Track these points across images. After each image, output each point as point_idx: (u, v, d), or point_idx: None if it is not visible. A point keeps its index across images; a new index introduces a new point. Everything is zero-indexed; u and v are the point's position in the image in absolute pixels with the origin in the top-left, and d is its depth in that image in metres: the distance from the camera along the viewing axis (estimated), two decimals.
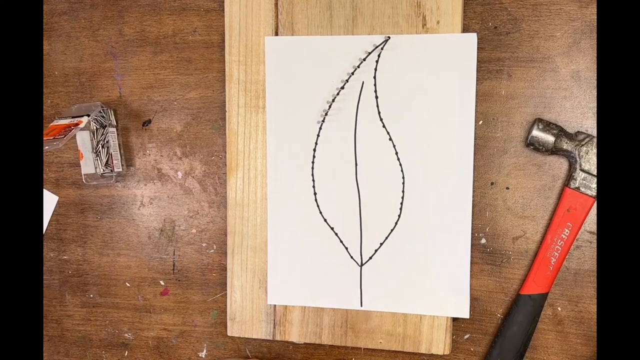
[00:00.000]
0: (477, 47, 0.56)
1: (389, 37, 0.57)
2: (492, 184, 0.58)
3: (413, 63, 0.57)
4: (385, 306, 0.59)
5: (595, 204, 0.55)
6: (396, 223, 0.59)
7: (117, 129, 0.65)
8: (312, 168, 0.60)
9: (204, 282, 0.65)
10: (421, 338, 0.59)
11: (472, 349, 0.59)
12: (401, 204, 0.58)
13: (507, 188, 0.58)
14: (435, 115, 0.57)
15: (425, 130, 0.57)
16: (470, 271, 0.58)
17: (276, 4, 0.60)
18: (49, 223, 0.68)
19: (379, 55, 0.58)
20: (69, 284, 0.68)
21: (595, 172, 0.54)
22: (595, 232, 0.56)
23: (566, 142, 0.54)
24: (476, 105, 0.57)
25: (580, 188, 0.54)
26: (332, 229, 0.60)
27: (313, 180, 0.60)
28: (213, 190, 0.64)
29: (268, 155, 0.61)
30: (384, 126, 0.58)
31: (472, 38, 0.56)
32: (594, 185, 0.54)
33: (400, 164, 0.58)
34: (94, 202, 0.67)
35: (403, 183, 0.58)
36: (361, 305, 0.60)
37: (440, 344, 0.58)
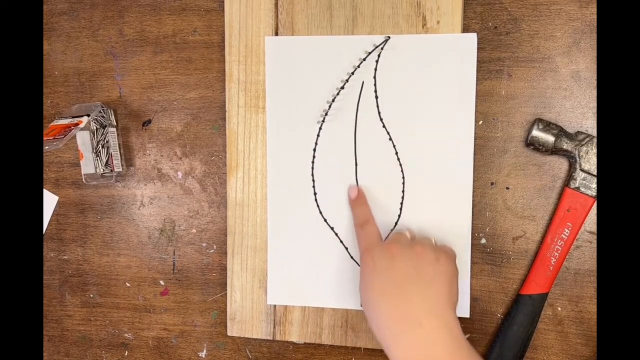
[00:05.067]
0: (477, 47, 0.56)
1: (389, 37, 0.57)
2: (492, 184, 0.58)
3: (413, 63, 0.57)
4: None
5: (595, 204, 0.55)
6: (396, 223, 0.59)
7: (117, 129, 0.65)
8: (312, 168, 0.60)
9: (204, 282, 0.65)
10: None
11: None
12: (401, 204, 0.58)
13: (507, 188, 0.58)
14: (435, 115, 0.57)
15: (425, 130, 0.57)
16: (470, 271, 0.58)
17: (276, 4, 0.60)
18: (49, 223, 0.68)
19: (379, 55, 0.58)
20: (69, 284, 0.68)
21: (595, 172, 0.54)
22: (595, 232, 0.56)
23: (566, 142, 0.54)
24: (476, 105, 0.57)
25: (580, 188, 0.54)
26: (332, 229, 0.60)
27: (313, 180, 0.60)
28: (213, 190, 0.64)
29: (268, 155, 0.61)
30: (384, 126, 0.58)
31: (472, 38, 0.56)
32: (594, 185, 0.54)
33: (400, 164, 0.58)
34: (94, 202, 0.67)
35: (403, 183, 0.58)
36: (361, 305, 0.59)
37: None
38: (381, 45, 0.58)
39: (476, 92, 0.57)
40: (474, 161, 0.57)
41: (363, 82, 0.58)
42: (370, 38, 0.58)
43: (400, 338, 0.46)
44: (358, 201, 0.58)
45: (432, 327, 0.46)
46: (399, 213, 0.58)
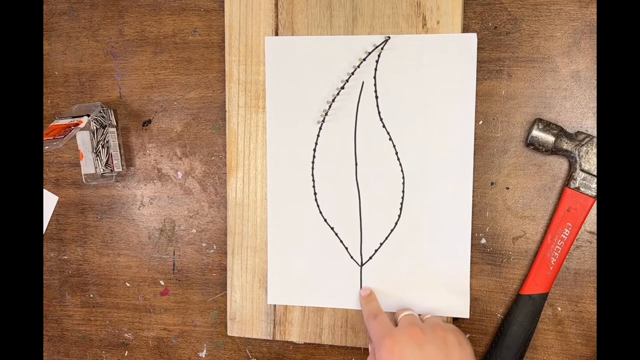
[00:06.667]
0: (477, 47, 0.56)
1: (389, 37, 0.57)
2: (492, 184, 0.58)
3: (413, 63, 0.57)
4: (385, 306, 0.59)
5: (595, 204, 0.55)
6: (396, 223, 0.59)
7: (117, 129, 0.65)
8: (312, 168, 0.60)
9: (204, 282, 0.65)
10: None
11: None
12: (401, 204, 0.58)
13: (507, 188, 0.58)
14: (435, 115, 0.57)
15: (425, 130, 0.57)
16: (470, 271, 0.58)
17: (276, 4, 0.60)
18: (49, 223, 0.68)
19: (379, 55, 0.58)
20: (69, 284, 0.68)
21: (595, 172, 0.54)
22: (595, 232, 0.56)
23: (566, 142, 0.54)
24: (476, 105, 0.57)
25: (580, 188, 0.54)
26: (332, 229, 0.60)
27: (313, 180, 0.60)
28: (213, 190, 0.64)
29: (268, 155, 0.61)
30: (384, 126, 0.58)
31: (472, 38, 0.56)
32: (594, 185, 0.54)
33: (400, 164, 0.58)
34: (94, 202, 0.67)
35: (403, 183, 0.58)
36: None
37: None
38: (381, 45, 0.58)
39: (476, 92, 0.57)
40: (474, 161, 0.57)
41: (363, 82, 0.58)
42: (370, 38, 0.58)
43: None
44: (369, 298, 0.58)
45: None
46: (398, 213, 0.58)
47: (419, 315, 0.55)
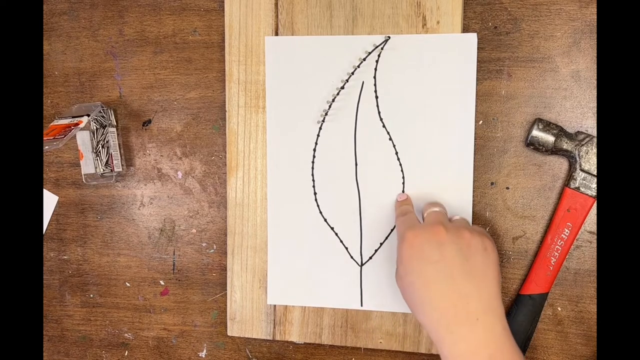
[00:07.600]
0: (477, 47, 0.56)
1: (389, 37, 0.57)
2: (492, 184, 0.58)
3: (413, 63, 0.57)
4: (385, 306, 0.59)
5: (595, 204, 0.55)
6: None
7: (117, 129, 0.65)
8: (312, 168, 0.60)
9: (204, 282, 0.65)
10: (421, 338, 0.59)
11: None
12: None
13: (507, 188, 0.58)
14: (435, 115, 0.57)
15: (425, 130, 0.57)
16: None
17: (276, 4, 0.60)
18: (49, 223, 0.68)
19: (379, 55, 0.58)
20: (69, 284, 0.68)
21: (595, 172, 0.54)
22: (595, 232, 0.56)
23: (566, 142, 0.54)
24: (476, 105, 0.57)
25: (580, 188, 0.54)
26: (332, 229, 0.60)
27: (313, 180, 0.60)
28: (213, 190, 0.64)
29: (268, 155, 0.61)
30: (384, 126, 0.58)
31: (472, 38, 0.56)
32: (594, 185, 0.54)
33: (400, 164, 0.58)
34: (94, 202, 0.67)
35: (403, 183, 0.58)
36: (361, 305, 0.60)
37: None
38: (381, 45, 0.58)
39: (476, 92, 0.57)
40: (474, 161, 0.57)
41: (363, 82, 0.58)
42: (370, 38, 0.58)
43: (456, 335, 0.46)
44: (404, 201, 0.57)
45: (488, 323, 0.46)
46: None
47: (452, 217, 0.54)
